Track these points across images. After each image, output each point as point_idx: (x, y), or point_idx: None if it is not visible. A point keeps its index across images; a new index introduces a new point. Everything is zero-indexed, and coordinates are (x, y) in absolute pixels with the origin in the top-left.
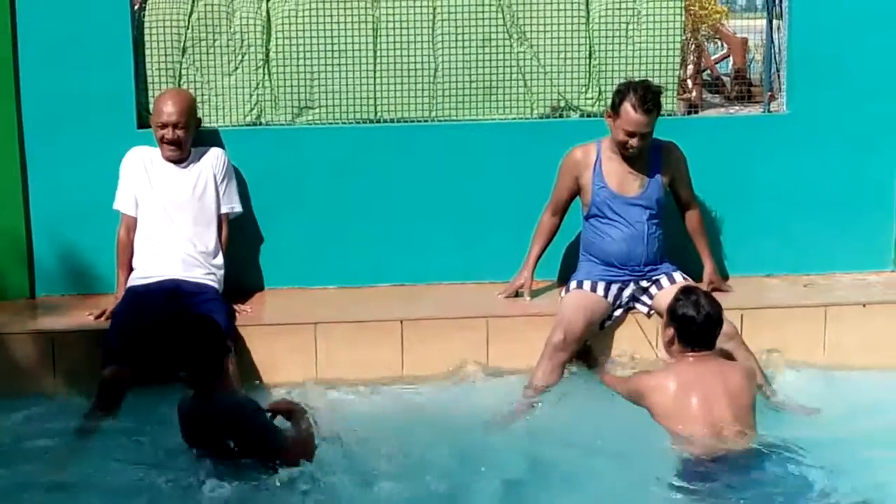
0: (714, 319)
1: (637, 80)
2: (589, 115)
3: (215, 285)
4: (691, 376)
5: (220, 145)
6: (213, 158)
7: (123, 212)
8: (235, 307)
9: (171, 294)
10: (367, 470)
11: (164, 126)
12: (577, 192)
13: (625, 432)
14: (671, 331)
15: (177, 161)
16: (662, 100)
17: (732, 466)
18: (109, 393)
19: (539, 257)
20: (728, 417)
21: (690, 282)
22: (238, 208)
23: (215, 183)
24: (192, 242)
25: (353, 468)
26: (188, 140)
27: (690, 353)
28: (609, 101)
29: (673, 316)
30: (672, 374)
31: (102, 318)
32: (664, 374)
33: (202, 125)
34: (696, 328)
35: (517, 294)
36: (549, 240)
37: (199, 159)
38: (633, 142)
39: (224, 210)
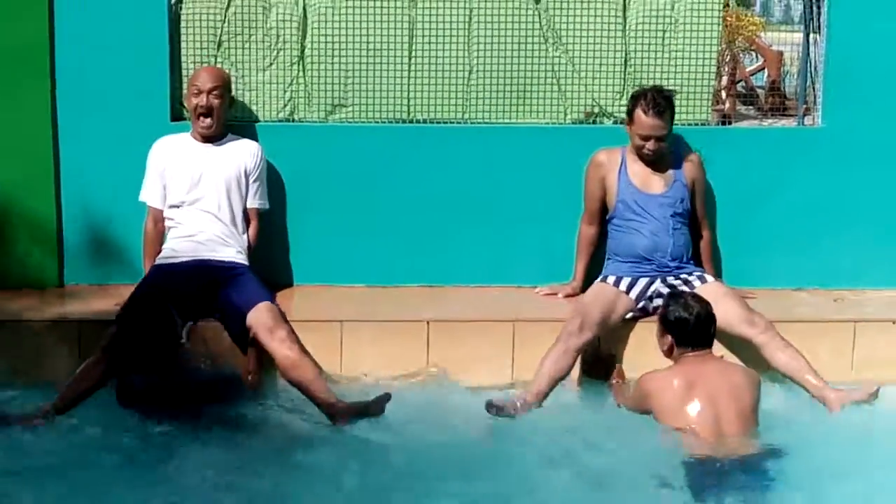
0: (706, 316)
1: (649, 85)
2: (622, 122)
3: (245, 262)
4: (695, 374)
5: (254, 140)
6: (250, 149)
7: (150, 204)
8: None
9: (200, 270)
10: (385, 468)
11: (199, 93)
12: (605, 194)
13: (629, 433)
14: (668, 338)
15: (210, 138)
16: (696, 108)
17: (736, 467)
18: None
19: (586, 269)
20: (732, 416)
21: (722, 283)
22: (267, 206)
23: (247, 173)
24: (221, 220)
25: (372, 466)
26: (222, 113)
27: (690, 353)
28: None
29: (667, 323)
30: (676, 374)
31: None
32: (668, 374)
33: (236, 120)
34: (691, 329)
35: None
36: (591, 250)
37: (234, 143)
38: (649, 145)
39: (256, 205)
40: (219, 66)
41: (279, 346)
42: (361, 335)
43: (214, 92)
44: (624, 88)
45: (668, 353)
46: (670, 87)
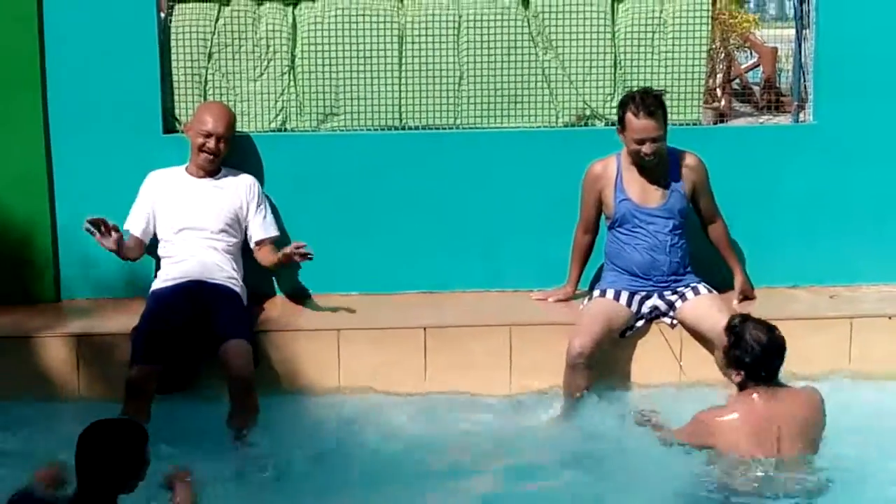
0: (777, 349)
1: (636, 88)
2: (614, 124)
3: (237, 290)
4: (763, 413)
5: (246, 151)
6: (245, 183)
7: (132, 232)
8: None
9: (192, 293)
10: (384, 477)
11: (209, 135)
12: (601, 207)
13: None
14: (740, 374)
15: (208, 173)
16: (686, 108)
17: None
18: (137, 392)
19: (580, 275)
20: (794, 455)
21: (715, 294)
22: (277, 233)
23: (245, 208)
24: (216, 253)
25: (370, 475)
26: (223, 155)
27: (759, 387)
28: None
29: (736, 360)
30: (742, 413)
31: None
32: (733, 414)
33: None
34: (761, 363)
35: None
36: (586, 257)
37: (230, 179)
38: (645, 148)
39: (267, 235)
40: (209, 89)
41: (234, 389)
42: (358, 343)
43: (223, 137)
44: (615, 90)
45: (741, 388)
46: (659, 88)
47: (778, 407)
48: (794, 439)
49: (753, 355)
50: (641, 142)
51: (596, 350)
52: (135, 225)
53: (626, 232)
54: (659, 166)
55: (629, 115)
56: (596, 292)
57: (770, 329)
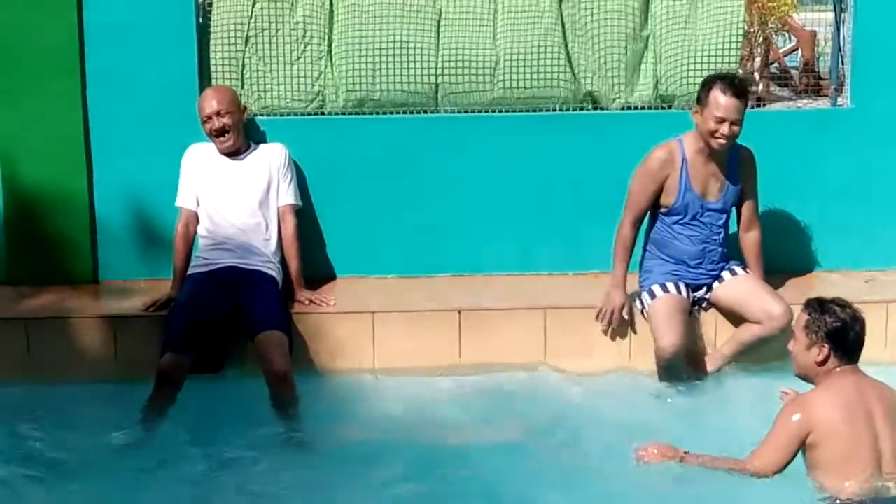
0: (861, 320)
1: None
2: (648, 108)
3: (273, 274)
4: (854, 398)
5: (283, 135)
6: (274, 154)
7: (184, 206)
8: (314, 299)
9: (229, 281)
10: (418, 458)
11: (209, 118)
12: (661, 192)
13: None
14: (825, 349)
15: (233, 153)
16: None
17: None
18: (167, 381)
19: (626, 274)
20: (890, 453)
21: (752, 274)
22: (299, 202)
23: (277, 177)
24: (251, 234)
25: (404, 456)
26: (236, 128)
27: (843, 368)
28: (664, 93)
29: (825, 331)
30: (833, 399)
31: (152, 309)
32: (825, 400)
33: (264, 115)
34: (846, 333)
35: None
36: (631, 254)
37: (258, 154)
38: (724, 129)
39: (289, 201)
40: (246, 73)
41: (271, 382)
42: (393, 326)
43: (222, 111)
44: (648, 75)
45: (819, 365)
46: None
47: (866, 392)
48: (888, 435)
49: (842, 320)
50: (721, 121)
51: (683, 345)
52: (186, 199)
53: (680, 223)
54: (722, 159)
55: (716, 92)
56: (654, 288)
57: (848, 303)
